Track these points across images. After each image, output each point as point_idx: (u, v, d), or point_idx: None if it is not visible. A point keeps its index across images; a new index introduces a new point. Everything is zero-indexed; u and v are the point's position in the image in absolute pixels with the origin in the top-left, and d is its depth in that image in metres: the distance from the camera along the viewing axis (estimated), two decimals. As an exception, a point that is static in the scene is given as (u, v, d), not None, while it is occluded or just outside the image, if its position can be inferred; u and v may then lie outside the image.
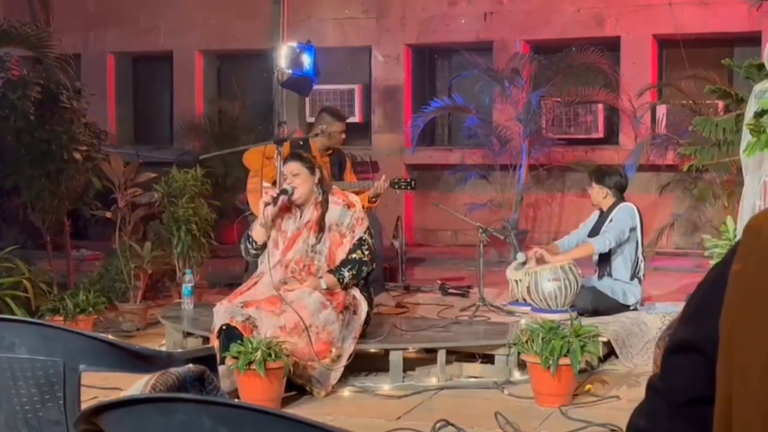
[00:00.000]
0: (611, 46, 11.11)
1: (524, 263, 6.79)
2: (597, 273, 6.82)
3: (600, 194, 6.83)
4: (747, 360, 1.22)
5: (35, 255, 8.11)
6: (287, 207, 5.59)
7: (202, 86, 13.15)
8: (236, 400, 4.36)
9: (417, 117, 11.04)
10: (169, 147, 12.77)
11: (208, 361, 2.16)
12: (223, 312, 5.24)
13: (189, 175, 7.68)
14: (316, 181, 5.56)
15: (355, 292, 5.51)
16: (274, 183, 6.64)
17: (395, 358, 5.49)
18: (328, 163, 7.33)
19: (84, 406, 1.93)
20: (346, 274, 5.45)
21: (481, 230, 7.11)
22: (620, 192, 6.84)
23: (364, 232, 5.56)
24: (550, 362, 4.94)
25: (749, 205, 5.32)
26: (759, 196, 5.25)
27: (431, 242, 12.02)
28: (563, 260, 6.57)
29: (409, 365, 5.60)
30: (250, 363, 4.79)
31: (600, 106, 10.98)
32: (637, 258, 6.72)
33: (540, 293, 6.49)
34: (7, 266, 6.79)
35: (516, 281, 6.72)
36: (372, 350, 5.65)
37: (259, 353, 4.78)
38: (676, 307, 6.35)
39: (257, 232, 5.56)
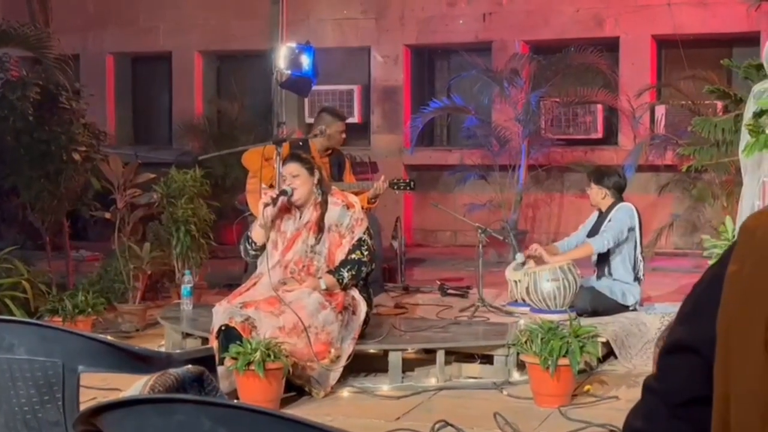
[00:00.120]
0: (610, 46, 11.12)
1: (523, 264, 6.79)
2: (596, 273, 6.83)
3: (599, 195, 6.83)
4: (744, 360, 1.22)
5: (34, 256, 8.12)
6: (286, 208, 5.59)
7: (201, 87, 13.15)
8: (235, 400, 4.36)
9: (416, 117, 11.04)
10: (168, 147, 12.77)
11: (207, 361, 2.16)
12: (222, 313, 5.24)
13: (188, 176, 7.68)
14: (316, 181, 5.56)
15: (354, 292, 5.51)
16: (272, 184, 6.64)
17: (394, 359, 5.50)
18: (328, 164, 7.33)
19: (83, 406, 1.93)
20: (346, 274, 5.45)
21: (480, 231, 7.11)
22: (619, 192, 6.85)
23: (364, 233, 5.56)
24: (549, 363, 4.94)
25: (748, 205, 5.31)
26: (758, 196, 5.25)
27: (430, 243, 12.02)
28: (562, 260, 6.57)
29: (408, 366, 5.60)
30: (249, 364, 4.79)
31: (599, 106, 10.98)
32: (636, 258, 6.72)
33: (539, 294, 6.49)
34: (6, 267, 6.79)
35: (515, 282, 6.72)
36: (371, 351, 5.65)
37: (258, 354, 4.78)
38: (675, 308, 6.31)
39: (256, 233, 5.56)
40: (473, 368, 5.65)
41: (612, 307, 6.55)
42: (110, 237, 7.59)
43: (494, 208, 10.44)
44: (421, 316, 6.83)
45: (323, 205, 5.56)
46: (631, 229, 6.67)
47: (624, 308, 6.60)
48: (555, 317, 5.93)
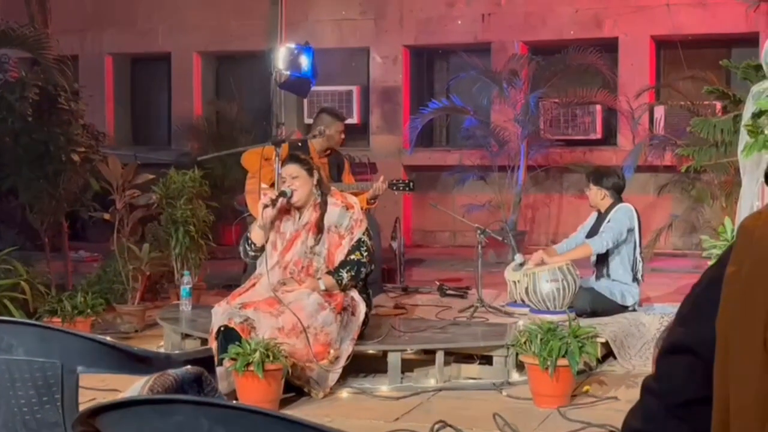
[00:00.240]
0: (609, 47, 11.12)
1: (522, 264, 6.79)
2: (595, 274, 6.83)
3: (598, 195, 6.83)
4: (744, 361, 1.22)
5: (33, 256, 8.11)
6: (286, 209, 5.59)
7: (200, 87, 13.15)
8: (234, 401, 4.35)
9: (415, 118, 11.05)
10: (167, 148, 12.78)
11: (206, 362, 2.16)
12: (222, 313, 5.24)
13: (187, 177, 7.68)
14: (315, 182, 5.56)
15: (354, 293, 5.51)
16: (272, 185, 6.64)
17: (393, 360, 5.50)
18: (327, 165, 7.33)
19: (82, 407, 1.93)
20: (345, 275, 5.45)
21: (479, 231, 7.11)
22: (618, 193, 6.85)
23: (363, 234, 5.56)
24: (549, 363, 4.94)
25: (747, 205, 5.31)
26: (757, 196, 5.25)
27: (429, 243, 12.02)
28: (561, 261, 6.57)
29: (407, 366, 5.60)
30: (248, 364, 4.79)
31: (598, 107, 10.99)
32: (635, 259, 6.72)
33: (538, 294, 6.49)
34: (5, 268, 6.79)
35: (514, 282, 6.72)
36: (370, 351, 5.65)
37: (257, 354, 4.78)
38: (674, 308, 6.29)
39: (256, 234, 5.56)
40: (472, 369, 5.65)
41: (611, 308, 6.55)
42: (109, 238, 7.59)
43: (493, 209, 10.45)
44: (420, 316, 6.83)
45: (322, 206, 5.56)
46: (630, 230, 6.67)
47: (623, 309, 6.60)
48: (554, 318, 5.92)
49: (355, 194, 6.37)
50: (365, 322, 5.53)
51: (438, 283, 8.03)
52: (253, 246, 5.58)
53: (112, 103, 13.44)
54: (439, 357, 5.51)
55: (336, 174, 7.43)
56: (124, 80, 13.70)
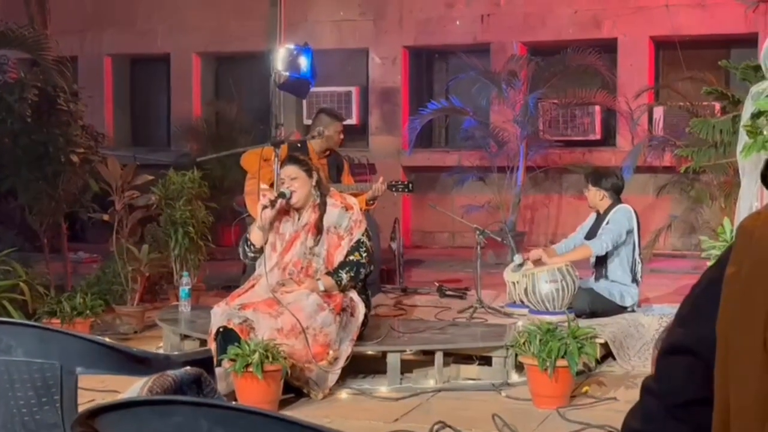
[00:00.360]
0: (608, 47, 11.12)
1: (522, 265, 6.79)
2: (594, 275, 6.83)
3: (597, 196, 6.84)
4: (744, 361, 1.22)
5: (32, 258, 8.10)
6: (285, 210, 5.59)
7: (200, 88, 13.15)
8: (233, 402, 4.35)
9: (414, 119, 11.05)
10: (167, 149, 12.78)
11: (206, 363, 2.16)
12: (221, 314, 5.24)
13: (186, 178, 7.68)
14: (314, 183, 5.56)
15: (353, 294, 5.51)
16: (271, 185, 6.64)
17: (393, 360, 5.49)
18: (326, 166, 7.33)
19: (81, 408, 1.93)
20: (344, 276, 5.45)
21: (478, 232, 7.11)
22: (617, 194, 6.85)
23: (362, 235, 5.56)
24: (548, 364, 4.94)
25: (746, 206, 5.31)
26: (756, 197, 5.25)
27: (428, 244, 12.02)
28: (560, 262, 6.57)
29: (406, 367, 5.60)
30: (247, 365, 4.79)
31: (597, 107, 10.99)
32: (634, 260, 6.73)
33: (537, 295, 6.49)
34: (4, 269, 6.79)
35: (513, 283, 6.72)
36: (369, 352, 5.66)
37: (256, 355, 4.78)
38: (674, 309, 6.32)
39: (255, 235, 5.56)
40: (472, 370, 5.65)
41: (610, 309, 6.55)
42: (108, 239, 7.58)
43: (492, 210, 10.45)
44: (419, 317, 6.83)
45: (322, 207, 5.56)
46: (629, 231, 6.67)
47: (622, 309, 6.60)
48: (553, 319, 5.92)
49: (355, 195, 6.37)
50: (364, 323, 5.53)
51: (437, 284, 8.03)
52: (252, 247, 5.58)
53: (111, 104, 13.43)
54: (439, 358, 5.51)
55: (335, 175, 7.42)
56: (123, 81, 13.70)
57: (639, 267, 6.75)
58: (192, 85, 13.07)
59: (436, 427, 4.60)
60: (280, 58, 9.47)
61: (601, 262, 6.74)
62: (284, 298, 5.26)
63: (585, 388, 5.29)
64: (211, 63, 13.35)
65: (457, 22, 11.81)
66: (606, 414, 4.82)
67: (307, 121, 11.26)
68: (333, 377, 5.26)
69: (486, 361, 5.61)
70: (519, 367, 5.46)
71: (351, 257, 5.50)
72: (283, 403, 5.07)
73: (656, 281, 8.21)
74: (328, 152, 7.53)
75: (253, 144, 8.39)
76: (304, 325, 5.14)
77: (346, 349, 5.34)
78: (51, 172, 7.63)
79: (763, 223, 1.26)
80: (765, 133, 4.91)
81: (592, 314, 6.43)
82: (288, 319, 5.14)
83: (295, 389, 5.20)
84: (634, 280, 6.72)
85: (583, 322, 5.81)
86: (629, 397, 5.07)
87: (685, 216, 9.79)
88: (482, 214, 9.95)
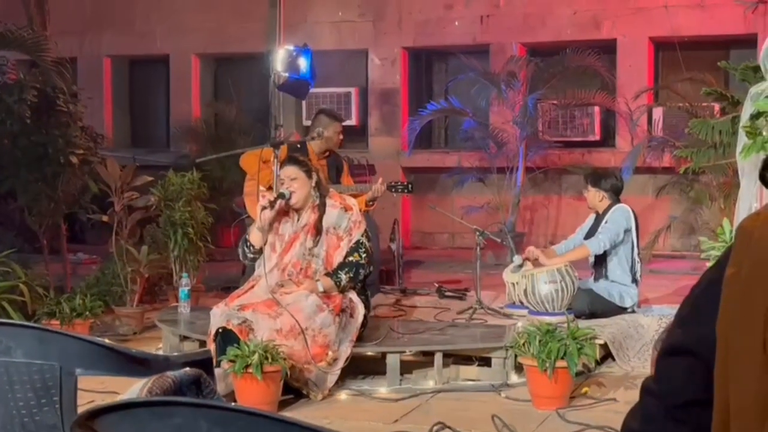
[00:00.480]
0: (607, 48, 11.13)
1: (521, 266, 6.79)
2: (593, 275, 6.83)
3: (596, 197, 6.84)
4: (744, 362, 1.22)
5: (32, 259, 8.10)
6: (284, 211, 5.59)
7: (199, 89, 13.15)
8: (233, 403, 4.35)
9: (414, 120, 11.05)
10: (166, 150, 12.77)
11: (205, 364, 2.16)
12: (220, 315, 5.24)
13: (185, 179, 7.68)
14: (313, 184, 5.56)
15: (352, 295, 5.51)
16: (270, 187, 6.64)
17: (392, 361, 5.49)
18: (325, 167, 7.33)
19: (80, 410, 1.93)
20: (343, 277, 5.45)
21: (477, 233, 7.11)
22: (616, 195, 6.85)
23: (362, 235, 5.56)
24: (547, 365, 4.94)
25: (745, 207, 5.32)
26: (755, 198, 5.25)
27: (428, 245, 12.02)
28: (559, 263, 6.57)
29: (406, 368, 5.60)
30: (246, 366, 4.78)
31: (596, 108, 10.99)
32: (633, 260, 6.73)
33: (537, 296, 6.49)
34: (4, 270, 6.78)
35: (513, 284, 6.72)
36: (369, 353, 5.66)
37: (255, 356, 4.78)
38: (673, 310, 6.32)
39: (254, 236, 5.56)
40: (471, 370, 5.65)
41: (610, 309, 6.55)
42: (108, 240, 7.58)
43: (492, 211, 10.45)
44: (418, 318, 6.83)
45: (321, 208, 5.56)
46: (627, 231, 6.67)
47: (622, 310, 6.61)
48: (553, 319, 5.92)
49: (354, 196, 6.37)
50: (364, 324, 5.53)
51: (437, 285, 8.03)
52: (251, 248, 5.58)
53: (111, 105, 13.43)
54: (438, 359, 5.51)
55: (335, 176, 7.42)
56: (122, 82, 13.69)
57: (638, 267, 6.75)
58: (191, 87, 13.07)
59: (435, 428, 4.60)
60: (280, 59, 9.47)
61: (601, 262, 6.74)
62: (283, 299, 5.26)
63: (584, 389, 5.29)
64: (211, 64, 13.35)
65: (457, 23, 11.81)
66: (605, 415, 4.82)
67: (307, 122, 11.25)
68: (332, 378, 5.26)
69: (485, 361, 5.61)
70: (518, 368, 5.45)
71: (350, 258, 5.50)
72: (283, 404, 5.07)
73: (656, 282, 8.21)
74: (327, 153, 7.53)
75: (252, 145, 8.39)
76: (303, 326, 5.14)
77: (346, 350, 5.33)
78: (50, 173, 7.63)
79: (763, 224, 1.26)
80: (764, 133, 4.91)
81: (592, 315, 6.44)
82: (287, 320, 5.14)
83: (294, 390, 5.20)
84: (634, 280, 6.72)
85: (583, 323, 5.81)
86: (629, 398, 5.07)
87: (684, 217, 9.79)
88: (482, 215, 9.95)
